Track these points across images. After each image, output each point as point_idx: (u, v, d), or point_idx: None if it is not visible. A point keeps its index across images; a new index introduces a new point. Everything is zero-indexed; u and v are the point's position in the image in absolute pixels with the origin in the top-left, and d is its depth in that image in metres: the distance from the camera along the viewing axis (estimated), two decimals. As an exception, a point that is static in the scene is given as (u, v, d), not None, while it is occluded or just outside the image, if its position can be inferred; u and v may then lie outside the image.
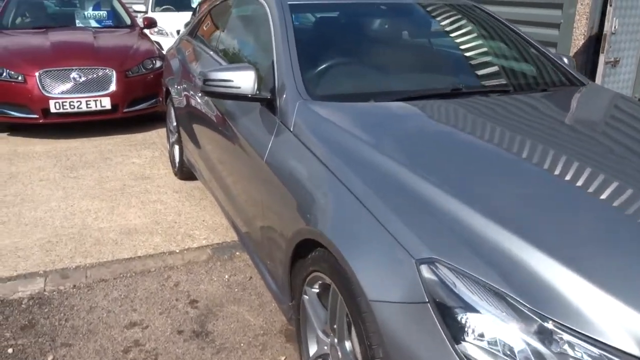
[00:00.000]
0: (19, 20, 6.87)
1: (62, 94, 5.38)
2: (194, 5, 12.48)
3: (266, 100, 2.31)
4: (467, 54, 2.65)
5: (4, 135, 5.72)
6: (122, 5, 7.36)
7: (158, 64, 6.02)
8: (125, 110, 5.71)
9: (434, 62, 2.63)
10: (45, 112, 5.38)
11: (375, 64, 2.51)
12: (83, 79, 5.46)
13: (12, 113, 5.41)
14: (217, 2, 3.80)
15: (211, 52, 3.39)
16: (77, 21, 6.95)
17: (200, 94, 3.33)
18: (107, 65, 5.58)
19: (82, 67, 5.48)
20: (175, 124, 4.18)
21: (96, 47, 5.82)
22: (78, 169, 4.61)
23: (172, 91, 4.09)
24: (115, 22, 7.14)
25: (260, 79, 2.34)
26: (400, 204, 1.55)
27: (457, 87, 2.35)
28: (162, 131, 5.95)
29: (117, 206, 3.75)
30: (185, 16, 10.74)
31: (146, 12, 11.79)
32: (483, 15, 2.91)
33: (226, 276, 2.81)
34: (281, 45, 2.42)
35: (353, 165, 1.77)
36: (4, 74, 5.36)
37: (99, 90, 5.52)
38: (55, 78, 5.39)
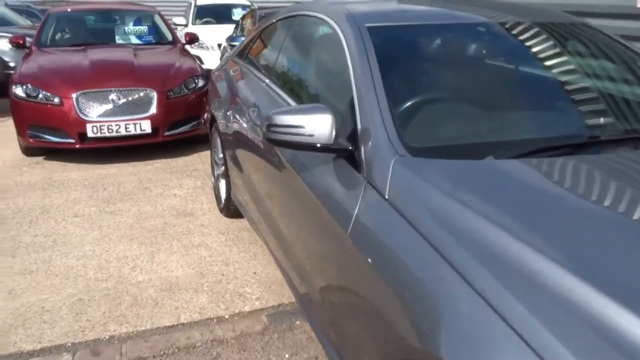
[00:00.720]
0: (58, 36, 6.61)
1: (100, 117, 5.03)
2: (235, 17, 12.19)
3: (346, 152, 1.81)
4: (601, 89, 2.09)
5: (40, 159, 5.41)
6: (164, 20, 7.03)
7: (200, 83, 5.63)
8: (166, 133, 5.32)
9: (557, 99, 2.08)
10: (82, 136, 5.04)
11: (484, 103, 1.98)
12: (122, 100, 5.09)
13: (48, 137, 5.08)
14: (272, 20, 3.34)
15: (267, 81, 2.92)
16: (117, 37, 6.64)
17: (250, 124, 2.87)
18: (147, 86, 5.20)
19: (121, 88, 5.11)
20: (221, 155, 3.73)
21: (136, 66, 5.46)
22: (115, 201, 4.21)
23: (219, 118, 3.65)
24: (157, 38, 6.81)
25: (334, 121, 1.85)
26: (553, 314, 1.05)
27: (595, 135, 1.80)
28: (204, 155, 5.55)
29: (158, 252, 3.32)
30: (227, 29, 10.42)
31: (186, 25, 11.54)
32: (608, 41, 2.35)
33: (286, 355, 2.32)
34: (362, 79, 1.92)
35: (481, 256, 1.25)
36: (40, 96, 5.04)
37: (138, 113, 5.14)
38: (93, 100, 5.04)
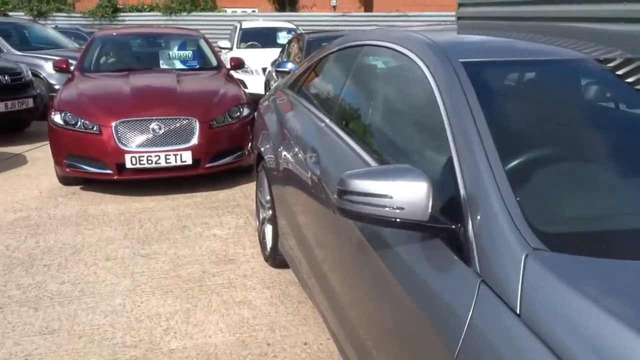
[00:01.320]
0: (102, 60, 6.43)
1: (140, 147, 4.73)
2: (280, 41, 11.98)
3: (446, 231, 1.37)
4: None
5: (77, 189, 5.15)
6: (209, 44, 6.78)
7: (245, 111, 5.29)
8: (207, 165, 4.98)
9: None
10: (120, 167, 4.74)
11: (628, 164, 1.49)
12: (163, 130, 4.79)
13: (85, 167, 4.81)
14: (331, 50, 2.94)
15: (327, 121, 2.51)
16: (161, 62, 6.41)
17: (305, 170, 2.45)
18: (190, 115, 4.89)
19: (162, 117, 4.82)
20: (268, 197, 3.33)
21: (179, 93, 5.17)
22: (151, 242, 3.86)
23: (267, 156, 3.25)
24: (201, 62, 6.55)
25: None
26: None
27: None
28: (246, 188, 5.18)
29: (194, 309, 2.91)
30: (272, 53, 10.18)
31: (231, 49, 11.39)
32: None
33: None
34: (462, 131, 1.48)
35: None
36: (79, 124, 4.79)
37: (179, 143, 4.83)
38: (133, 129, 4.75)
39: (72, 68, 6.10)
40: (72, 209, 4.60)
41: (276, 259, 3.28)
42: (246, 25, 12.14)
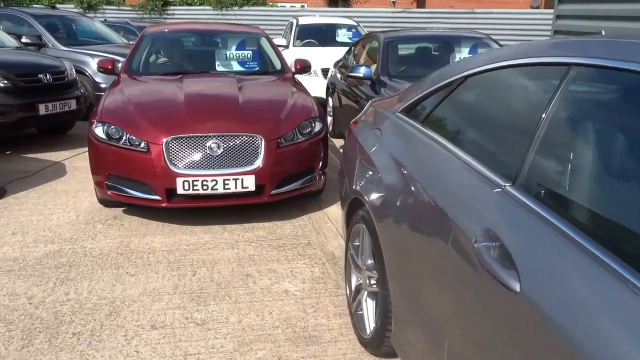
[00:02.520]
0: (151, 60, 5.67)
1: (194, 169, 3.91)
2: (339, 39, 11.06)
3: None
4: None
5: (119, 212, 4.39)
6: (272, 44, 5.93)
7: (317, 127, 4.41)
8: (273, 192, 4.13)
9: None
10: (171, 193, 3.94)
11: None
12: (222, 149, 3.96)
13: (129, 191, 4.03)
14: (474, 70, 2.01)
15: (510, 190, 1.57)
16: (217, 63, 5.60)
17: (463, 250, 1.55)
18: (254, 131, 4.04)
19: (222, 134, 3.98)
20: (371, 262, 2.44)
21: (241, 104, 4.32)
22: (208, 300, 3.03)
23: (374, 206, 2.35)
24: (262, 65, 5.71)
25: None
26: None
27: None
28: (315, 219, 4.32)
29: None
30: (331, 52, 9.28)
31: (287, 47, 10.54)
32: None
33: None
34: None
35: None
36: (124, 139, 4.01)
37: (240, 165, 3.99)
38: (187, 147, 3.93)
39: (118, 66, 5.38)
40: (112, 241, 3.83)
41: (382, 347, 2.38)
42: (303, 21, 11.26)
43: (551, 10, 17.36)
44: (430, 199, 1.85)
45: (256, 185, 4.01)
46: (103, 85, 8.23)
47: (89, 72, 8.31)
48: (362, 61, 6.63)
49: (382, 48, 5.79)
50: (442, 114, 2.20)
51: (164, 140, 3.90)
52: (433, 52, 6.06)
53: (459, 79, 2.13)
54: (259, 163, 4.00)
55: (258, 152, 4.02)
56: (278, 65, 5.61)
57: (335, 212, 4.53)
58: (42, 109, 6.24)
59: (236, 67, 5.66)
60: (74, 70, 7.04)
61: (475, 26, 13.83)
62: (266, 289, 3.18)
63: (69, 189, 5.04)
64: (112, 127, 4.06)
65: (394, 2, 20.39)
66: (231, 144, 3.98)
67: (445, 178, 1.86)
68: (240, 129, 4.03)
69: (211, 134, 3.96)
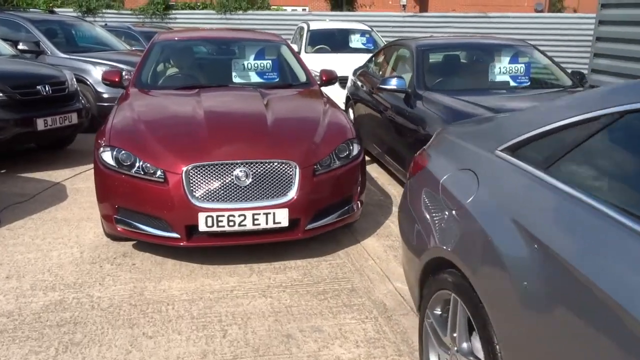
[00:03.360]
0: (164, 71, 5.11)
1: (219, 202, 3.36)
2: (352, 44, 10.53)
3: None
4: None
5: (129, 247, 3.84)
6: (294, 53, 5.39)
7: (355, 149, 3.87)
8: (308, 227, 3.58)
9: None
10: (191, 230, 3.39)
11: None
12: (250, 179, 3.41)
13: (142, 227, 3.47)
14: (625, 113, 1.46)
15: None
16: (234, 74, 5.04)
17: None
18: (287, 157, 3.49)
19: (250, 161, 3.43)
20: (467, 344, 1.89)
21: (270, 124, 3.77)
22: (245, 373, 2.48)
23: (481, 277, 1.80)
24: (284, 76, 5.17)
25: None
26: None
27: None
28: (355, 255, 3.78)
29: None
30: (346, 59, 8.75)
31: (298, 53, 9.99)
32: None
33: None
34: None
35: None
36: (136, 167, 3.45)
37: (272, 197, 3.43)
38: (210, 177, 3.38)
39: (125, 78, 4.82)
40: (124, 287, 3.27)
41: None
42: (315, 26, 10.73)
43: (567, 14, 16.77)
44: (595, 289, 1.30)
45: (290, 220, 3.46)
46: (106, 96, 7.68)
47: (90, 81, 7.75)
48: (389, 71, 6.10)
49: (415, 57, 5.25)
50: (582, 161, 1.65)
51: (184, 168, 3.35)
52: (471, 62, 5.53)
53: (609, 116, 1.58)
54: (292, 194, 3.45)
55: (292, 182, 3.47)
56: (302, 77, 5.06)
57: (374, 246, 3.98)
58: (40, 124, 5.68)
59: (254, 78, 5.10)
60: (74, 80, 6.48)
61: (489, 30, 13.31)
62: (313, 356, 2.63)
63: (71, 216, 4.48)
64: (123, 152, 3.50)
65: (404, 6, 19.86)
66: (261, 172, 3.43)
67: (612, 258, 1.31)
68: (272, 154, 3.48)
69: (238, 161, 3.41)
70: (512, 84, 5.22)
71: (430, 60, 5.34)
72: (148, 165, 3.42)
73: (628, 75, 5.85)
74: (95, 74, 7.77)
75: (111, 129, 3.72)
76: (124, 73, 4.90)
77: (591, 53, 6.19)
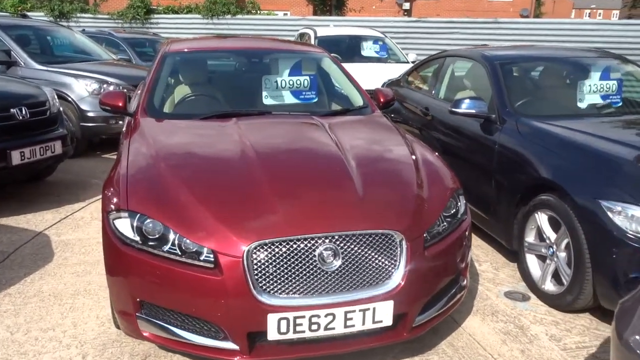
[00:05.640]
0: (181, 92, 3.97)
1: (296, 297, 2.27)
2: (364, 52, 9.49)
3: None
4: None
5: (150, 346, 2.71)
6: (341, 67, 4.31)
7: (462, 205, 2.81)
8: (416, 323, 2.51)
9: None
10: (255, 337, 2.29)
11: None
12: (340, 260, 2.32)
13: (180, 334, 2.35)
14: None
15: None
16: (264, 94, 3.94)
17: None
18: (390, 227, 2.41)
19: (339, 234, 2.34)
20: None
21: (356, 177, 2.67)
22: None
23: None
24: (330, 98, 4.10)
25: None
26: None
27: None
28: (458, 344, 2.72)
29: None
30: (358, 69, 7.71)
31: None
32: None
33: None
34: None
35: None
36: (170, 243, 2.33)
37: (370, 286, 2.36)
38: (283, 260, 2.28)
39: (131, 102, 3.69)
40: None
41: None
42: (323, 32, 9.67)
43: (581, 20, 15.98)
44: None
45: (394, 316, 2.39)
46: (91, 114, 6.49)
47: (72, 97, 6.55)
48: (444, 88, 5.07)
49: (491, 73, 4.22)
50: None
51: (245, 248, 2.24)
52: (555, 78, 4.53)
53: None
54: (398, 279, 2.38)
55: (396, 261, 2.40)
56: (358, 99, 3.98)
57: (483, 332, 2.96)
58: (15, 158, 4.49)
59: (289, 99, 4.01)
60: (56, 99, 5.27)
61: (499, 37, 12.47)
62: None
63: (62, 289, 3.33)
64: (149, 220, 2.37)
65: (406, 11, 18.93)
66: (354, 249, 2.35)
67: None
68: (369, 223, 2.40)
69: (322, 235, 2.32)
70: (603, 103, 4.26)
71: (514, 78, 4.33)
72: (188, 241, 2.31)
73: None
74: (78, 88, 6.59)
75: (127, 182, 2.58)
76: (118, 85, 3.74)
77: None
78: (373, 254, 2.37)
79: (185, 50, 4.14)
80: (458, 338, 2.91)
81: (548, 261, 3.30)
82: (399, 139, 3.22)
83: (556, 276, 3.26)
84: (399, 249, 2.40)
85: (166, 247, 2.33)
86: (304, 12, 26.96)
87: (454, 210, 2.75)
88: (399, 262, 2.40)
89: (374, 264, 2.37)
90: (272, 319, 2.24)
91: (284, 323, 2.25)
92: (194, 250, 2.30)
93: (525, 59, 4.68)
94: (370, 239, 2.37)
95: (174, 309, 2.33)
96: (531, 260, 3.48)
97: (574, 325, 3.06)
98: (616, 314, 1.86)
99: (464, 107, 4.01)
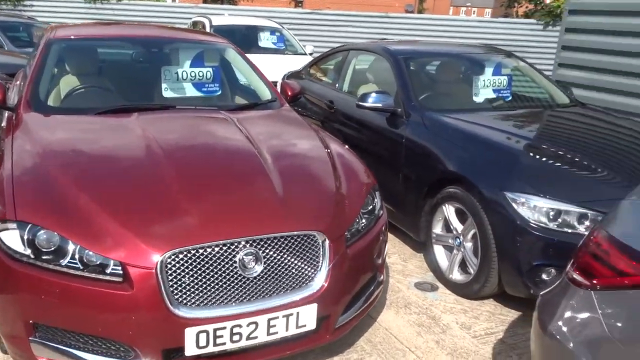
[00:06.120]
0: (70, 83, 3.58)
1: (215, 307, 2.12)
2: (262, 44, 9.31)
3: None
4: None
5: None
6: (246, 59, 4.14)
7: (378, 201, 2.81)
8: (339, 324, 2.46)
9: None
10: (171, 355, 2.11)
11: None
12: (261, 265, 2.20)
13: (87, 358, 2.10)
14: None
15: None
16: (163, 86, 3.68)
17: None
18: (312, 227, 2.33)
19: (259, 237, 2.22)
20: None
21: (273, 175, 2.55)
22: None
23: None
24: (228, 89, 3.94)
25: None
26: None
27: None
28: (376, 340, 2.73)
29: None
30: (260, 60, 7.58)
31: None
32: None
33: None
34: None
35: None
36: (69, 256, 2.07)
37: (293, 290, 2.27)
38: (200, 269, 2.11)
39: (10, 97, 3.28)
40: None
41: None
42: (218, 22, 9.35)
43: (465, 17, 16.95)
44: None
45: (318, 319, 2.32)
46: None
47: None
48: (347, 81, 5.08)
49: (396, 67, 4.28)
50: None
51: (159, 258, 2.04)
52: (455, 73, 4.69)
53: None
54: (321, 280, 2.31)
55: (319, 262, 2.33)
56: (266, 93, 3.84)
57: (399, 326, 2.99)
58: None
59: (190, 91, 3.78)
60: None
61: (390, 31, 12.86)
62: None
63: None
64: (43, 232, 2.09)
65: (300, 3, 18.87)
66: (276, 253, 2.24)
67: None
68: (290, 224, 2.30)
69: (242, 239, 2.18)
70: (496, 98, 4.48)
71: (418, 73, 4.42)
72: (90, 253, 2.06)
73: (593, 87, 5.46)
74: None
75: (14, 188, 2.26)
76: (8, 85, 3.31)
77: (555, 62, 5.73)
78: (296, 256, 2.27)
79: (74, 37, 3.74)
80: (375, 333, 2.92)
81: (455, 251, 3.41)
82: (312, 134, 3.15)
83: (463, 265, 3.38)
84: (321, 249, 2.33)
85: (64, 261, 2.06)
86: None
87: (371, 206, 2.73)
88: (322, 264, 2.33)
89: (296, 267, 2.27)
90: (190, 333, 2.07)
91: (203, 336, 2.09)
92: (97, 263, 2.06)
93: (427, 55, 4.82)
94: (293, 240, 2.27)
95: (75, 331, 2.08)
96: (439, 251, 3.58)
97: (481, 312, 3.19)
98: (538, 306, 1.93)
99: (371, 101, 4.02)
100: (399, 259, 3.87)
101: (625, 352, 1.52)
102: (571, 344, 1.68)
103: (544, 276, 2.92)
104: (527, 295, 3.00)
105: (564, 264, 2.86)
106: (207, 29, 9.11)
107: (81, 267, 2.06)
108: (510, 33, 12.86)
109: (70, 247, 2.07)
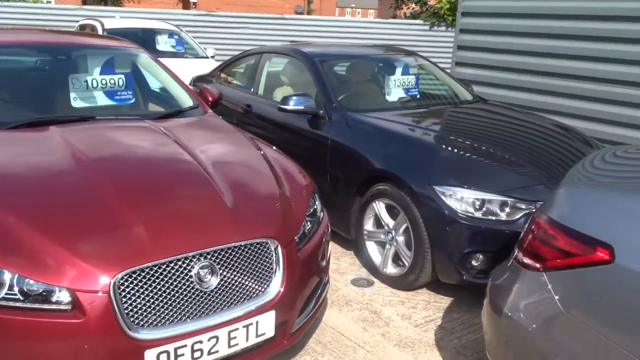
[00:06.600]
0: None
1: (173, 326, 2.04)
2: (159, 47, 8.97)
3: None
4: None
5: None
6: (161, 64, 3.99)
7: (318, 203, 2.86)
8: (295, 329, 2.47)
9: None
10: (130, 380, 2.00)
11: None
12: (217, 277, 2.15)
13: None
14: None
15: None
16: (72, 96, 3.45)
17: None
18: (264, 234, 2.32)
19: (213, 249, 2.16)
20: None
21: (218, 185, 2.48)
22: None
23: None
24: (145, 97, 3.79)
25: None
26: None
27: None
28: (324, 339, 2.79)
29: None
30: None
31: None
32: None
33: None
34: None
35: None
36: (7, 285, 1.89)
37: (250, 298, 2.24)
38: (156, 288, 2.02)
39: None
40: None
41: None
42: (111, 25, 8.88)
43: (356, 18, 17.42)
44: None
45: (276, 326, 2.31)
46: None
47: None
48: (262, 85, 5.06)
49: (313, 70, 4.34)
50: None
51: (111, 280, 1.92)
52: (369, 74, 4.85)
53: None
54: (277, 287, 2.31)
55: (272, 268, 2.32)
56: (186, 100, 3.72)
57: (344, 323, 3.05)
58: None
59: (102, 100, 3.58)
60: None
61: (285, 32, 12.96)
62: None
63: None
64: (-31, 263, 1.88)
65: (194, 4, 18.30)
66: (231, 264, 2.19)
67: None
68: (242, 233, 2.26)
69: (195, 253, 2.11)
70: (406, 96, 4.70)
71: (334, 75, 4.51)
72: (31, 282, 1.89)
73: (490, 84, 5.90)
74: None
75: None
76: None
77: (452, 61, 6.11)
78: (250, 265, 2.24)
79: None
80: (323, 334, 2.95)
81: (388, 246, 3.53)
82: (245, 140, 3.11)
83: (396, 259, 3.51)
84: (274, 256, 2.32)
85: (1, 294, 1.87)
86: (70, 1, 24.50)
87: (313, 209, 2.75)
88: (276, 270, 2.32)
89: (252, 276, 2.24)
90: (150, 355, 1.97)
91: (164, 357, 2.00)
92: (40, 291, 1.90)
93: (342, 57, 4.92)
94: (247, 249, 2.24)
95: (24, 366, 1.90)
96: (371, 247, 3.69)
97: (418, 302, 3.34)
98: (489, 291, 2.06)
99: (292, 104, 4.04)
100: (332, 258, 3.92)
101: (580, 325, 1.68)
102: (528, 323, 1.82)
103: (474, 262, 3.12)
104: (459, 282, 3.19)
105: (491, 250, 3.12)
106: (100, 33, 8.62)
107: (21, 298, 1.88)
108: (400, 34, 13.49)
109: (6, 277, 1.89)
